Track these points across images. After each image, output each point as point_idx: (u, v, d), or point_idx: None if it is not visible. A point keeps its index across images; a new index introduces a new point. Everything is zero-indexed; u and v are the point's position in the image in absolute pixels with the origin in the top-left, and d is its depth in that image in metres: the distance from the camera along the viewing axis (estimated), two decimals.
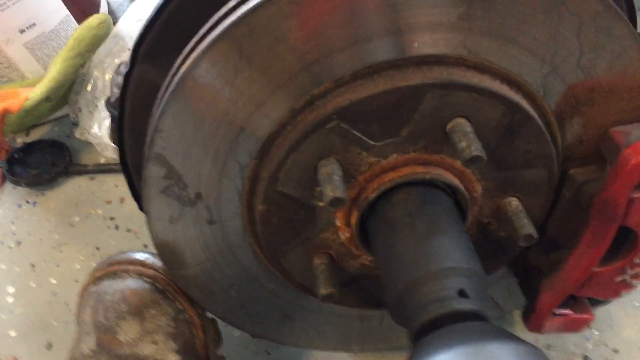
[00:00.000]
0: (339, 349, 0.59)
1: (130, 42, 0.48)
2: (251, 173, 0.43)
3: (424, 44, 0.38)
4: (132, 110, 0.51)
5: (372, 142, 0.41)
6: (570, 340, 0.60)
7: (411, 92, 0.38)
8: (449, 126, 0.40)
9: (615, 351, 0.59)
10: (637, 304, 0.61)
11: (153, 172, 0.42)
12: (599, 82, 0.41)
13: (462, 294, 0.37)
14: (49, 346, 0.66)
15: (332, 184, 0.39)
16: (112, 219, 0.77)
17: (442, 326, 0.35)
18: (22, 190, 0.82)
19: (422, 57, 0.39)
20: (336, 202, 0.39)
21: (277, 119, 0.40)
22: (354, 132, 0.40)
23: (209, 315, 0.53)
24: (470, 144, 0.38)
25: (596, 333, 0.60)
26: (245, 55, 0.38)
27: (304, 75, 0.39)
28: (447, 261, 0.38)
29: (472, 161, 0.38)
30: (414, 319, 0.37)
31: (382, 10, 0.37)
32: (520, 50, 0.39)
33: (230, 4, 0.39)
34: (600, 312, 0.61)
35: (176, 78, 0.39)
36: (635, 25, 0.48)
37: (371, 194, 0.42)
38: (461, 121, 0.40)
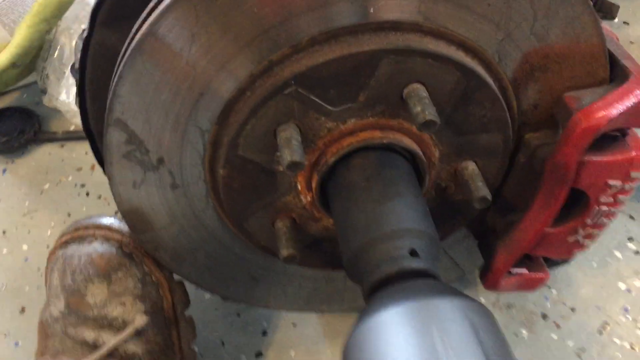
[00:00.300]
0: (306, 310, 0.61)
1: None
2: (212, 138, 0.44)
3: (380, 9, 0.39)
4: (93, 76, 0.51)
5: (330, 108, 0.41)
6: (530, 299, 0.63)
7: (367, 58, 0.39)
8: (405, 91, 0.41)
9: (573, 309, 0.62)
10: (595, 265, 0.64)
11: (114, 138, 0.43)
12: (553, 48, 0.42)
13: (413, 253, 0.39)
14: (22, 310, 0.67)
15: (290, 148, 0.40)
16: (82, 185, 0.78)
17: (394, 284, 0.37)
18: None
19: (378, 23, 0.39)
20: (294, 166, 0.40)
21: (236, 84, 0.41)
22: (312, 97, 0.41)
23: (176, 277, 0.54)
24: (424, 108, 0.39)
25: (554, 292, 0.63)
26: (202, 20, 0.38)
27: (261, 40, 0.39)
28: (400, 223, 0.40)
29: (426, 125, 0.39)
30: (368, 278, 0.39)
31: None
32: (475, 16, 0.40)
33: None
34: (559, 272, 0.64)
35: (133, 44, 0.39)
36: None
37: (330, 159, 0.43)
38: (417, 86, 0.41)
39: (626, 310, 0.61)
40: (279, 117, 0.41)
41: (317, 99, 0.41)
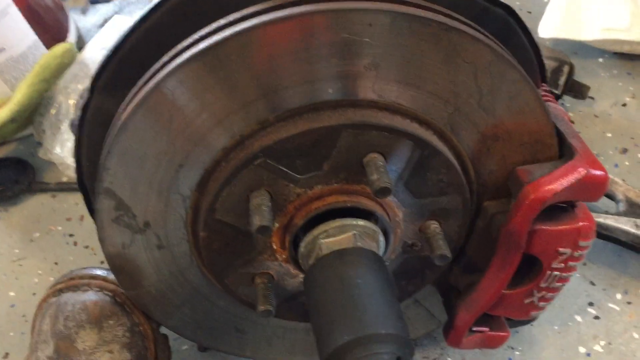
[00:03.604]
0: None
1: (94, 68, 0.57)
2: (193, 203, 0.51)
3: (337, 90, 0.47)
4: (89, 136, 0.59)
5: (297, 176, 0.49)
6: (495, 359, 0.68)
7: (327, 132, 0.47)
8: (364, 160, 0.48)
9: None
10: (556, 328, 0.70)
11: (104, 205, 0.51)
12: (501, 119, 0.49)
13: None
14: (6, 355, 0.74)
15: (260, 213, 0.47)
16: (71, 235, 0.86)
17: None
18: None
19: (336, 101, 0.47)
20: (263, 230, 0.47)
21: (212, 157, 0.48)
22: (280, 167, 0.48)
23: (162, 330, 0.62)
24: (380, 176, 0.47)
25: (518, 353, 0.69)
26: (178, 103, 0.46)
27: (232, 118, 0.47)
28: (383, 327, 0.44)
29: (381, 192, 0.46)
30: None
31: (298, 64, 0.45)
32: (425, 93, 0.48)
33: (171, 52, 0.48)
34: (523, 333, 0.70)
35: (119, 122, 0.47)
36: (543, 72, 0.57)
37: (299, 221, 0.51)
38: (375, 156, 0.48)
39: None
40: (251, 184, 0.49)
41: (284, 169, 0.48)
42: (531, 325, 0.67)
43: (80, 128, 0.59)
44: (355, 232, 0.50)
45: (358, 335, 0.44)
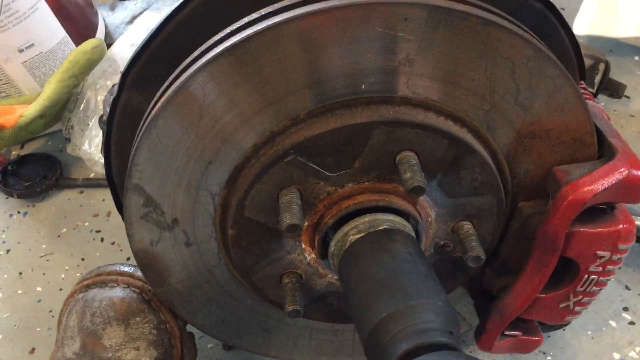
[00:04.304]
0: None
1: (123, 65, 0.56)
2: (222, 201, 0.51)
3: (371, 85, 0.46)
4: (118, 132, 0.59)
5: (328, 173, 0.48)
6: None
7: (360, 129, 0.46)
8: (397, 158, 0.47)
9: None
10: (590, 333, 0.68)
11: (132, 201, 0.50)
12: (538, 117, 0.48)
13: (442, 330, 0.42)
14: (32, 351, 0.74)
15: (290, 211, 0.47)
16: (98, 231, 0.86)
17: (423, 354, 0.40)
18: (14, 201, 0.91)
19: (370, 97, 0.46)
20: (292, 229, 0.46)
21: (241, 154, 0.48)
22: (311, 164, 0.47)
23: (188, 328, 0.61)
24: (413, 175, 0.45)
25: (549, 358, 0.67)
26: (209, 99, 0.45)
27: (263, 114, 0.46)
28: (423, 296, 0.44)
29: (414, 191, 0.45)
30: (393, 349, 0.42)
31: (330, 59, 0.44)
32: (460, 90, 0.46)
33: (202, 47, 0.48)
34: (554, 338, 0.68)
35: (149, 119, 0.47)
36: (583, 69, 0.56)
37: (329, 220, 0.50)
38: (408, 154, 0.47)
39: None
40: (281, 182, 0.48)
41: (315, 166, 0.48)
42: (563, 330, 0.65)
43: (110, 123, 0.59)
44: (386, 226, 0.49)
45: (408, 303, 0.43)
